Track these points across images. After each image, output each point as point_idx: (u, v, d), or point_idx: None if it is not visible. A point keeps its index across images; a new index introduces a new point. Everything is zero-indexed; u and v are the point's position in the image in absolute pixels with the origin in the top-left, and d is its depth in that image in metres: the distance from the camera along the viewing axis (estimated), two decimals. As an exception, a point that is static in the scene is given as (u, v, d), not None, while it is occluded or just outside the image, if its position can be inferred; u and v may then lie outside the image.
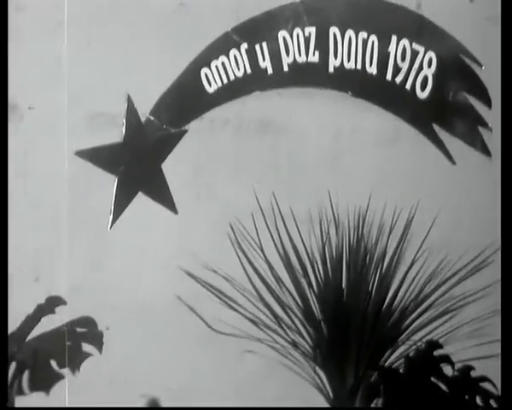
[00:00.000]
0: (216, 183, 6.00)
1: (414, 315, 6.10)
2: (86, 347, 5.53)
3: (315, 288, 6.08)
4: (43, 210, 5.62)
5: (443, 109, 6.37)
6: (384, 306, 6.11)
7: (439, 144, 6.37)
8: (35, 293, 5.50)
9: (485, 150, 6.40)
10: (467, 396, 5.74)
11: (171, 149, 5.87)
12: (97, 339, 5.53)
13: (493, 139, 6.38)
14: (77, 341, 5.47)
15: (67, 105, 5.71)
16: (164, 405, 5.63)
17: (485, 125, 6.46)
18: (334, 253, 6.12)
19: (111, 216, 5.75)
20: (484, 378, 5.77)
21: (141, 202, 5.78)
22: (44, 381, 5.44)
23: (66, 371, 5.50)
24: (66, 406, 5.63)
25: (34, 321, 5.41)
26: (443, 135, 6.37)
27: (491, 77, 6.34)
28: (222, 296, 5.95)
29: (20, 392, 5.37)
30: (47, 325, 5.46)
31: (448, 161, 6.36)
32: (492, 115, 6.35)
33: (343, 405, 6.01)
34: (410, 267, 6.09)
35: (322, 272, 6.08)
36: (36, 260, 5.60)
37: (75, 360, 5.43)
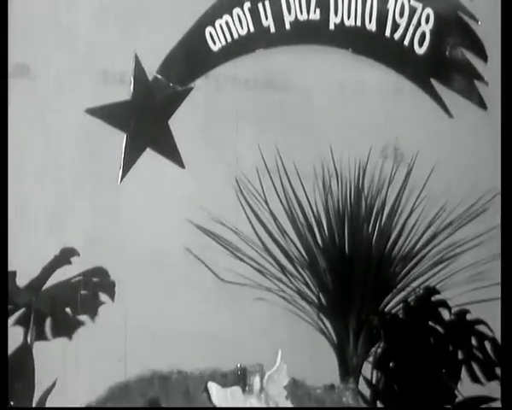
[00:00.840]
0: (221, 139, 6.17)
1: (413, 262, 6.30)
2: (100, 296, 5.67)
3: (318, 239, 6.27)
4: (57, 166, 5.78)
5: (440, 65, 6.52)
6: (384, 254, 6.32)
7: (437, 99, 6.53)
8: (51, 245, 5.64)
9: (481, 103, 6.56)
10: (463, 338, 6.00)
11: (177, 106, 6.00)
12: (110, 288, 5.65)
13: (489, 93, 6.56)
14: (91, 290, 5.66)
15: (78, 65, 5.84)
16: (174, 351, 5.85)
17: (481, 79, 6.60)
18: (336, 205, 6.29)
19: (121, 171, 5.91)
20: (479, 321, 5.99)
21: (149, 157, 5.95)
22: (65, 328, 5.61)
23: (85, 318, 5.65)
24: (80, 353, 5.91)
25: (50, 271, 5.57)
26: (441, 89, 6.54)
27: (487, 32, 6.48)
28: (229, 247, 6.14)
29: (44, 338, 5.54)
30: (63, 275, 5.58)
31: (446, 114, 6.57)
32: (488, 70, 6.53)
33: (346, 349, 6.27)
34: (408, 216, 6.27)
35: (324, 223, 6.29)
36: (51, 213, 5.77)
37: (91, 307, 5.60)
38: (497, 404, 5.98)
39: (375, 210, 6.25)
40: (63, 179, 5.80)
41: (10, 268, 5.25)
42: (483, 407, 5.48)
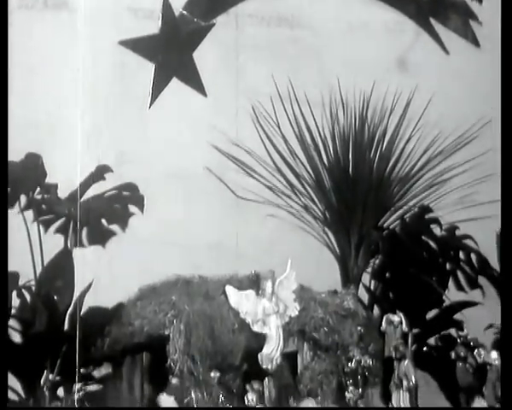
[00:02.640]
0: (240, 70, 6.48)
1: (409, 184, 6.70)
2: (131, 208, 6.13)
3: (325, 161, 6.67)
4: (93, 92, 6.05)
5: (439, 5, 6.81)
6: (384, 176, 6.71)
7: (435, 36, 6.83)
8: (87, 163, 6.01)
9: (475, 41, 6.85)
10: (452, 252, 6.43)
11: (201, 40, 6.32)
12: (139, 202, 6.11)
13: (482, 31, 6.84)
14: (123, 203, 6.08)
15: (112, 1, 6.15)
16: (195, 259, 6.17)
17: (475, 19, 6.88)
18: (341, 132, 6.68)
19: (150, 98, 6.26)
20: (467, 236, 6.47)
21: (175, 85, 6.27)
22: (100, 236, 6.05)
23: (117, 228, 6.11)
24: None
25: (86, 186, 6.02)
26: (438, 28, 6.83)
27: (482, -26, 6.79)
28: (244, 168, 6.53)
29: (81, 245, 6.01)
30: (97, 189, 6.04)
31: (442, 50, 6.84)
32: (483, 10, 6.79)
33: (348, 260, 6.70)
34: (407, 143, 6.65)
35: (331, 147, 6.68)
36: (88, 134, 6.06)
37: (123, 218, 6.06)
38: (478, 308, 6.57)
39: (376, 137, 6.65)
40: (98, 104, 6.09)
41: (53, 182, 5.78)
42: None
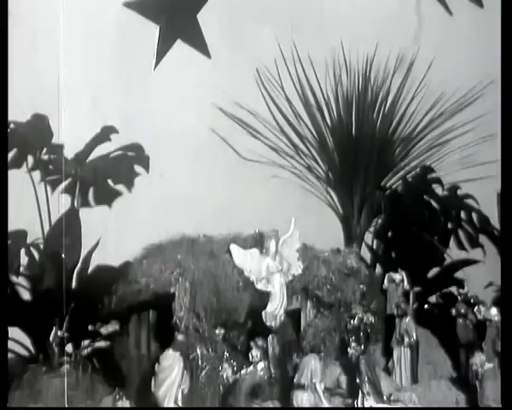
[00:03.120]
0: (244, 32, 6.50)
1: (412, 144, 6.78)
2: (136, 168, 6.22)
3: (328, 122, 6.73)
4: (98, 53, 6.13)
5: (442, -34, 6.84)
6: (387, 137, 6.78)
7: (439, -2, 6.89)
8: (92, 124, 6.11)
9: (478, 2, 6.83)
10: (453, 211, 6.50)
11: (205, 2, 6.29)
12: (144, 162, 6.21)
13: (485, -8, 6.88)
14: (129, 163, 6.17)
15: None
16: (201, 218, 6.21)
17: (479, -21, 6.92)
18: (345, 93, 6.72)
19: (154, 59, 6.29)
20: (468, 196, 6.54)
21: (179, 47, 6.29)
22: (106, 197, 6.15)
23: (123, 188, 6.21)
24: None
25: (92, 146, 6.11)
26: (441, -11, 6.90)
27: None
28: (249, 129, 6.59)
29: (88, 205, 6.13)
30: (103, 149, 6.12)
31: (446, 11, 6.84)
32: (486, -30, 6.83)
33: (350, 219, 6.77)
34: (409, 103, 6.68)
35: (334, 109, 6.74)
36: (93, 96, 6.14)
37: (128, 178, 6.15)
38: (479, 266, 6.65)
39: (379, 98, 6.70)
40: (104, 66, 6.16)
41: (59, 142, 5.84)
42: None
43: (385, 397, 5.34)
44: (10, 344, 5.78)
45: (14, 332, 5.81)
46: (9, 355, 5.84)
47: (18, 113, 5.87)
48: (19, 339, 5.86)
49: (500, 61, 5.55)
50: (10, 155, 6.07)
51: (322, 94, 6.61)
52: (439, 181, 6.65)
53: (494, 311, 5.55)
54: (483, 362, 5.20)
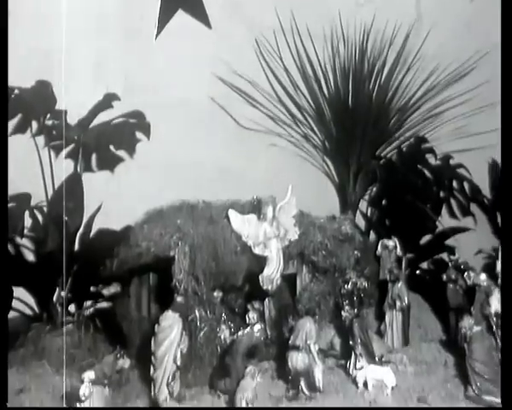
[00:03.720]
0: (244, 3, 6.56)
1: (406, 115, 6.88)
2: (138, 134, 6.26)
3: (325, 92, 6.83)
4: (101, 22, 6.21)
5: None
6: (383, 107, 6.86)
7: (436, -32, 6.93)
8: (95, 91, 6.18)
9: (474, -26, 6.95)
10: (446, 180, 6.61)
11: None
12: (145, 128, 6.24)
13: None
14: (130, 130, 6.22)
15: None
16: (200, 185, 6.34)
17: (475, -50, 6.95)
18: (342, 64, 6.80)
19: (156, 29, 6.27)
20: (460, 165, 6.65)
21: (181, 17, 6.19)
22: (108, 162, 6.27)
23: (124, 154, 6.31)
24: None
25: (95, 113, 6.17)
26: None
27: None
28: (247, 98, 6.68)
29: (90, 170, 6.24)
30: (106, 116, 6.15)
31: (442, -17, 6.98)
32: None
33: (346, 187, 6.87)
34: (405, 74, 6.78)
35: (331, 79, 6.82)
36: (96, 64, 6.24)
37: (130, 144, 6.24)
38: (470, 234, 6.78)
39: (376, 69, 6.78)
40: (106, 35, 6.23)
41: (61, 108, 5.91)
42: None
43: (377, 358, 5.44)
44: (15, 303, 5.86)
45: (19, 292, 5.87)
46: (14, 314, 5.94)
47: (23, 79, 5.93)
48: (23, 299, 5.93)
49: (497, 33, 5.59)
50: (15, 120, 6.15)
51: (320, 65, 6.70)
52: (432, 151, 6.72)
53: (483, 277, 5.66)
54: (471, 325, 5.28)
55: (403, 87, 6.74)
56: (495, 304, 5.61)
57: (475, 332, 5.34)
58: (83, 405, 4.69)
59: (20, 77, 5.91)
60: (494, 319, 5.55)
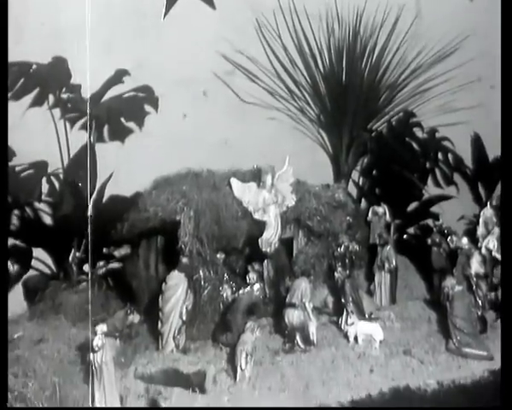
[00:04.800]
0: None
1: (396, 91, 7.07)
2: (147, 108, 6.46)
3: (321, 69, 7.01)
4: (111, 2, 6.32)
5: None
6: (374, 84, 7.06)
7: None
8: (107, 67, 6.35)
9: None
10: (431, 152, 6.86)
11: None
12: (154, 102, 6.46)
13: None
14: (140, 103, 6.42)
15: None
16: (204, 154, 6.44)
17: None
18: (336, 43, 6.99)
19: (164, 9, 6.44)
20: (445, 138, 6.90)
21: None
22: (119, 133, 6.43)
23: (134, 126, 6.47)
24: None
25: (106, 88, 6.38)
26: None
27: None
28: (248, 74, 6.85)
29: (102, 140, 6.42)
30: (117, 91, 6.38)
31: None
32: None
33: (339, 158, 7.08)
34: (395, 53, 6.96)
35: (327, 57, 7.01)
36: (108, 41, 6.30)
37: (139, 117, 6.41)
38: (453, 201, 7.01)
39: (368, 49, 6.98)
40: (117, 14, 6.36)
41: (76, 82, 6.15)
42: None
43: (366, 315, 5.72)
44: (34, 263, 6.17)
45: (38, 252, 6.18)
46: (33, 273, 6.24)
47: (40, 55, 6.14)
48: (42, 259, 6.20)
49: (478, 19, 5.82)
50: (33, 94, 6.33)
51: (316, 43, 6.88)
52: (419, 125, 6.97)
53: (465, 240, 5.96)
54: (453, 285, 5.57)
55: (393, 65, 6.94)
56: (475, 266, 5.93)
57: (457, 291, 5.63)
58: (96, 355, 4.90)
59: (37, 53, 6.16)
60: (474, 279, 5.88)
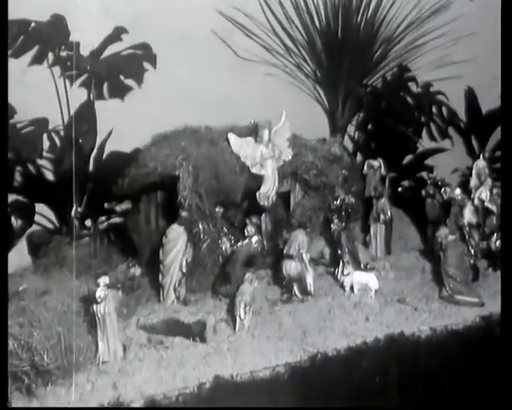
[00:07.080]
0: None
1: (391, 46, 7.08)
2: (145, 65, 6.42)
3: (317, 25, 7.04)
4: None
5: None
6: (369, 39, 7.06)
7: None
8: (106, 25, 6.29)
9: None
10: (426, 106, 6.91)
11: None
12: (152, 59, 6.44)
13: None
14: (138, 60, 6.38)
15: None
16: (202, 111, 6.44)
17: None
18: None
19: None
20: (439, 92, 6.94)
21: None
22: (119, 91, 6.41)
23: (133, 83, 6.44)
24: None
25: (105, 45, 6.31)
26: None
27: None
28: (245, 31, 6.85)
29: (102, 98, 6.39)
30: (115, 48, 6.31)
31: None
32: None
33: (335, 113, 7.13)
34: (389, 8, 6.95)
35: (323, 13, 7.02)
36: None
37: (138, 74, 6.38)
38: (447, 154, 7.05)
39: (363, 4, 6.97)
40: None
41: (74, 39, 6.09)
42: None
43: (362, 265, 5.84)
44: (37, 218, 6.23)
45: (41, 208, 6.22)
46: (37, 228, 6.30)
47: (39, 14, 6.10)
48: (45, 214, 6.25)
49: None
50: (32, 51, 6.30)
51: (313, 1, 6.91)
52: (414, 79, 7.02)
53: (458, 191, 6.05)
54: (447, 235, 5.68)
55: (387, 20, 6.95)
56: (468, 216, 6.04)
57: (450, 241, 5.75)
58: (99, 306, 4.98)
59: (36, 11, 6.11)
60: (467, 228, 5.98)
